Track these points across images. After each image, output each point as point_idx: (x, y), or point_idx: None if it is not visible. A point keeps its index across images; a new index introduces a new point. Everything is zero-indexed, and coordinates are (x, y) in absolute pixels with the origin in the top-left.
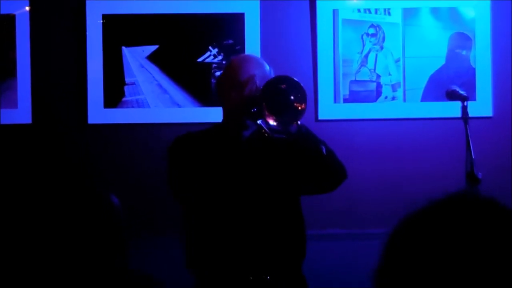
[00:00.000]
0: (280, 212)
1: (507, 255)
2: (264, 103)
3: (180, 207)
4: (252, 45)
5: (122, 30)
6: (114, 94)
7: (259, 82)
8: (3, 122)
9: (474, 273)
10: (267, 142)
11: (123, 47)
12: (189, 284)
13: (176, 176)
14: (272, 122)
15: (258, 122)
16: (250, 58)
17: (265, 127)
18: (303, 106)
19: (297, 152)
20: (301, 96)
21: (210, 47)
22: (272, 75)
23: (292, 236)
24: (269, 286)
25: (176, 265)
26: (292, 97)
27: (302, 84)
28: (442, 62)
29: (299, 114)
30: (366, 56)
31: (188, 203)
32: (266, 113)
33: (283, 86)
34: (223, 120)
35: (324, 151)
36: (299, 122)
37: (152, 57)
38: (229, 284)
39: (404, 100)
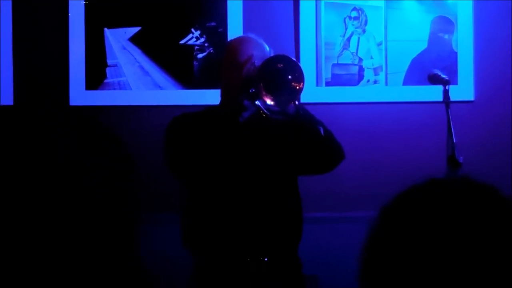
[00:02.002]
0: (278, 194)
1: (501, 239)
2: (261, 83)
3: (167, 187)
4: (235, 27)
5: (105, 11)
6: (96, 76)
7: (258, 63)
8: None
9: (466, 257)
10: (265, 123)
11: (105, 29)
12: (187, 263)
13: (174, 155)
14: (269, 102)
15: (256, 102)
16: (248, 39)
17: (263, 108)
18: (300, 85)
19: (295, 132)
20: (299, 76)
21: (192, 29)
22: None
23: (289, 218)
24: (267, 267)
25: (173, 244)
26: (289, 77)
27: (299, 64)
28: (424, 46)
29: (296, 93)
30: (349, 39)
31: (187, 182)
32: (264, 92)
33: (280, 65)
34: (221, 101)
35: (322, 131)
36: (297, 102)
37: (134, 39)
38: (226, 265)
39: (386, 83)
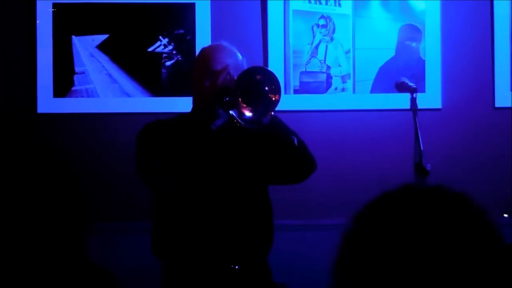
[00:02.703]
0: (249, 202)
1: (463, 242)
2: (238, 94)
3: (136, 195)
4: (203, 35)
5: (73, 19)
6: (64, 83)
7: (232, 72)
8: None
9: (432, 263)
10: (238, 132)
11: (73, 36)
12: (156, 271)
13: (145, 162)
14: (247, 113)
15: (230, 112)
16: (222, 48)
17: (237, 117)
18: (277, 97)
19: (269, 142)
20: (275, 87)
21: (160, 37)
22: (245, 65)
23: (260, 226)
24: (237, 275)
25: (142, 252)
26: (266, 88)
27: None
28: (392, 54)
29: (273, 105)
30: (317, 47)
31: (157, 190)
32: (241, 103)
33: (258, 77)
34: (193, 109)
35: (295, 142)
36: (272, 113)
37: (102, 46)
38: (196, 273)
39: (354, 91)
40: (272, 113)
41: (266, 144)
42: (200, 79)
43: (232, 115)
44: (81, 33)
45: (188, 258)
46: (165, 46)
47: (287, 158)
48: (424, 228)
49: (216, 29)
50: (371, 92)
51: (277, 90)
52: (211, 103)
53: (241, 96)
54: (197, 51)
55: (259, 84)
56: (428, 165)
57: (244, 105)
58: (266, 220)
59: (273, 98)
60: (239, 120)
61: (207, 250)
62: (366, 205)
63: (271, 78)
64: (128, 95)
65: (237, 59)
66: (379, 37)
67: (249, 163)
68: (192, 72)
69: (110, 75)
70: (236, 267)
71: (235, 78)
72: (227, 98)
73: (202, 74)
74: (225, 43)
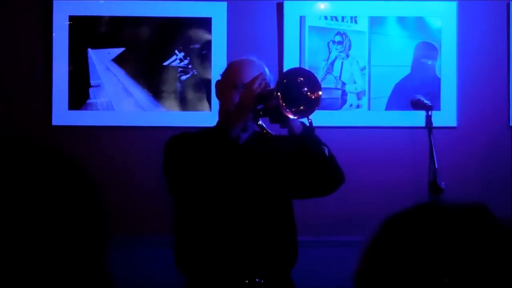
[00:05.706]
0: (274, 216)
1: (484, 254)
2: (280, 96)
3: (147, 208)
4: (219, 50)
5: (89, 32)
6: (79, 96)
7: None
8: None
9: (454, 278)
10: (264, 145)
11: (89, 49)
12: (179, 284)
13: (172, 173)
14: (291, 116)
15: (259, 122)
16: (251, 61)
17: (266, 128)
18: (316, 95)
19: (299, 153)
20: (315, 86)
21: (176, 51)
22: (272, 80)
23: (285, 240)
24: None
25: (164, 266)
26: (305, 89)
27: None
28: (407, 71)
29: (314, 104)
30: (332, 63)
31: (183, 202)
32: (282, 105)
33: (300, 79)
34: (218, 122)
35: (326, 152)
36: (302, 122)
37: (117, 60)
38: (221, 287)
39: (369, 108)
40: (310, 117)
41: (295, 155)
42: (228, 90)
43: (261, 125)
44: (97, 46)
45: (212, 271)
46: (181, 60)
47: (317, 169)
48: (445, 243)
49: (232, 44)
50: (386, 109)
51: (316, 88)
52: (244, 111)
53: (282, 99)
54: (213, 65)
55: (299, 86)
56: (443, 183)
57: (286, 108)
58: (290, 234)
59: (313, 97)
60: (269, 131)
61: (232, 264)
62: (392, 218)
63: (310, 78)
64: (143, 109)
65: (265, 73)
66: (395, 54)
67: (275, 177)
68: (219, 85)
69: (125, 89)
70: (261, 281)
71: (270, 85)
72: (261, 106)
73: (231, 85)
74: (253, 58)
